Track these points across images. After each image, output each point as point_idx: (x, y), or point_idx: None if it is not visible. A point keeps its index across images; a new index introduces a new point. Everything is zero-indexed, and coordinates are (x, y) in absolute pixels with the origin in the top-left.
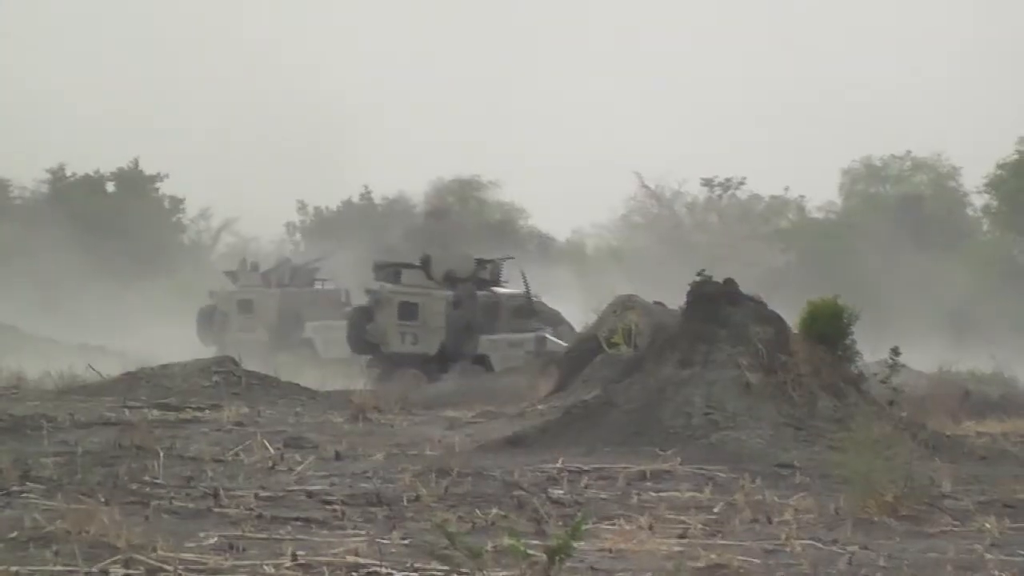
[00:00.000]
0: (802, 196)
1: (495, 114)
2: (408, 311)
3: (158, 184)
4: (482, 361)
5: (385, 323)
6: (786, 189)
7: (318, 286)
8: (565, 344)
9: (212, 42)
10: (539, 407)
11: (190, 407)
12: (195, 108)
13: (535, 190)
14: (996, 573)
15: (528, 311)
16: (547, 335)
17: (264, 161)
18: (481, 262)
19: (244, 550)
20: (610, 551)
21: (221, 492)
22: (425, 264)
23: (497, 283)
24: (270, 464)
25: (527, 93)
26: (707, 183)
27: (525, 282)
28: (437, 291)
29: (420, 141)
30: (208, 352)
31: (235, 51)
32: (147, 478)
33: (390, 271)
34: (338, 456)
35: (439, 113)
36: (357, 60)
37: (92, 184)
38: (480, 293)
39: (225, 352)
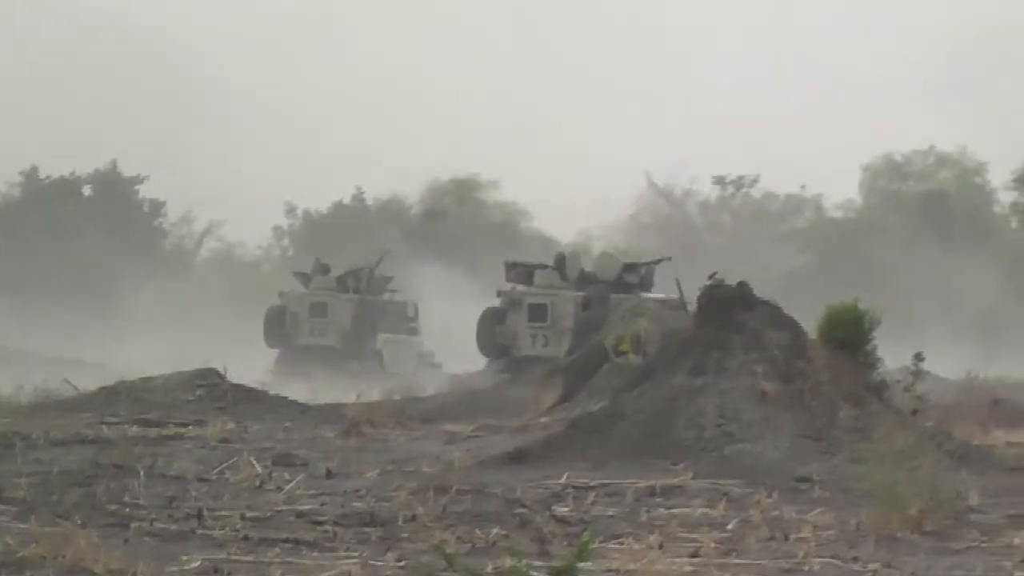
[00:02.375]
0: (820, 194)
1: (495, 112)
2: (538, 312)
3: (137, 187)
4: None
5: (515, 325)
6: (803, 187)
7: (387, 296)
8: None
9: (187, 39)
10: (543, 420)
11: (172, 423)
12: (175, 108)
13: (538, 190)
14: None
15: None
16: None
17: (250, 162)
18: (631, 266)
19: (229, 574)
20: (618, 572)
21: (205, 513)
22: (559, 264)
23: (647, 288)
24: (257, 483)
25: (529, 90)
26: (719, 181)
27: (679, 288)
28: (566, 291)
29: (415, 140)
30: (268, 355)
31: (214, 49)
32: (127, 498)
33: (522, 271)
34: (329, 474)
35: (436, 111)
36: (348, 57)
37: (67, 187)
38: (620, 296)
39: (294, 356)
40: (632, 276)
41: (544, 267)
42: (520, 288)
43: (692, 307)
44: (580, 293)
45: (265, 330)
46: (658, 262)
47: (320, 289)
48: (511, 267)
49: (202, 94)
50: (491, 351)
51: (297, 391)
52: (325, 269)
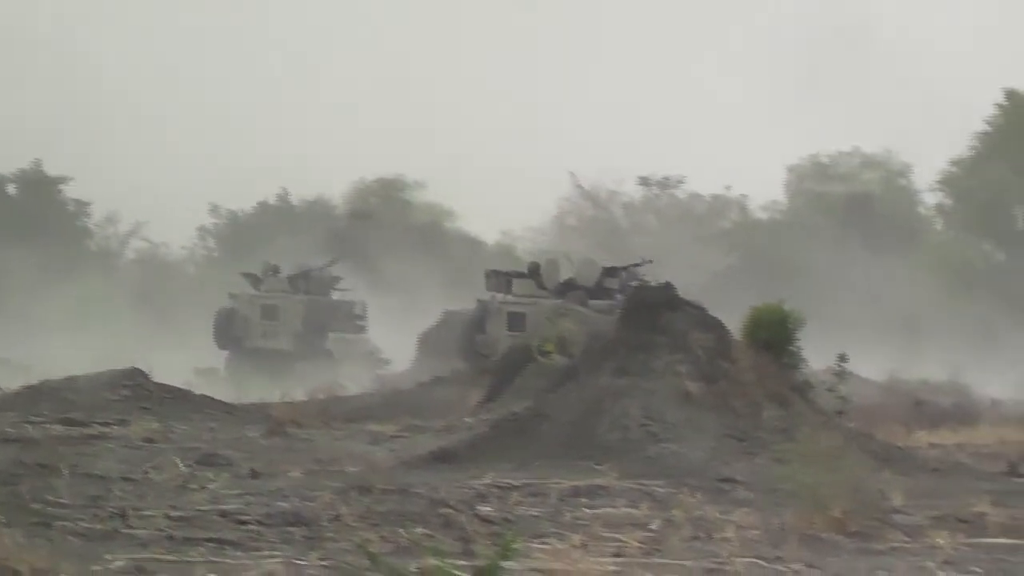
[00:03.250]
0: (745, 195)
1: (419, 113)
2: (516, 321)
3: (62, 187)
4: None
5: (494, 333)
6: (728, 188)
7: (335, 296)
8: None
9: (111, 40)
10: (467, 420)
11: (97, 422)
12: (99, 108)
13: (463, 191)
14: None
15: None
16: None
17: (175, 162)
18: (611, 270)
19: (154, 573)
20: (541, 571)
21: (129, 512)
22: (533, 273)
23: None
24: (181, 482)
25: (453, 90)
26: (644, 182)
27: None
28: (544, 300)
29: (341, 141)
30: (194, 356)
31: (138, 51)
32: (51, 498)
33: (502, 280)
34: (254, 473)
35: (362, 113)
36: (272, 58)
37: None
38: (598, 303)
39: (244, 358)
40: (612, 281)
41: (523, 275)
42: (499, 297)
43: None
44: (559, 301)
45: (215, 332)
46: (639, 265)
47: (271, 291)
48: (491, 275)
49: (127, 95)
50: (471, 359)
51: (253, 393)
52: (275, 270)
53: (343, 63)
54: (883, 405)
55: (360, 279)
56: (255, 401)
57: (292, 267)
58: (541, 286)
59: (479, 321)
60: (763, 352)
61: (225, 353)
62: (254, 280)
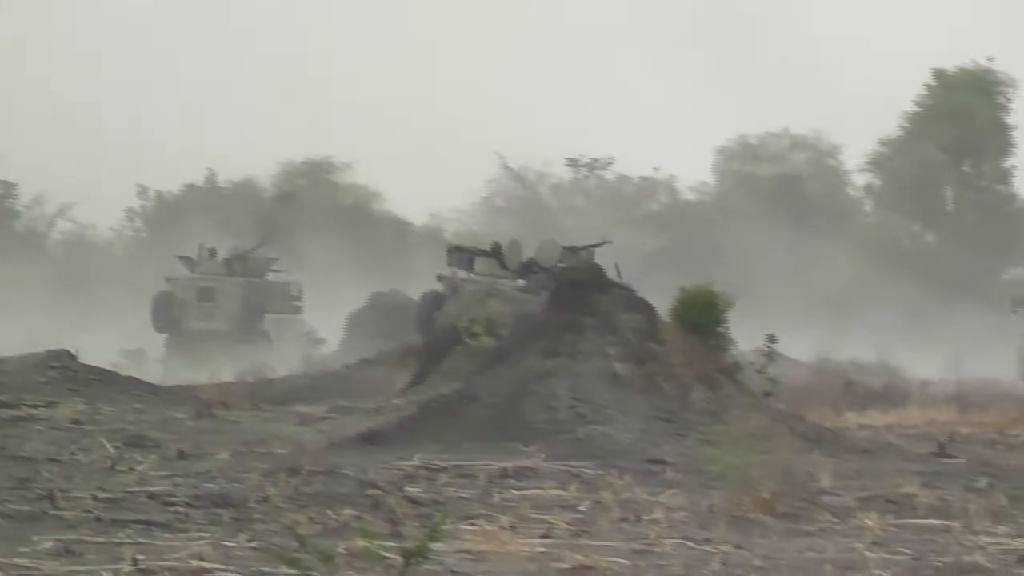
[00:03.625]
0: (673, 177)
1: (345, 93)
2: None
3: None
4: None
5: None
6: (656, 169)
7: (271, 276)
8: None
9: (39, 19)
10: (396, 402)
11: (24, 404)
12: (25, 88)
13: (390, 173)
14: (877, 572)
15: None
16: None
17: (102, 144)
18: (571, 250)
19: (82, 555)
20: (470, 553)
21: (57, 494)
22: (496, 252)
23: None
24: (109, 464)
25: (379, 69)
26: (572, 163)
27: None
28: (506, 280)
29: (269, 121)
30: (121, 337)
31: (66, 28)
32: None
33: (464, 257)
34: (182, 455)
35: (289, 93)
36: (200, 39)
37: None
38: None
39: (183, 340)
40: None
41: (485, 253)
42: (461, 274)
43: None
44: (521, 281)
45: (153, 315)
46: (598, 245)
47: (207, 274)
48: (453, 251)
49: (52, 76)
50: (429, 334)
51: (187, 376)
52: (212, 252)
53: (269, 43)
54: (812, 386)
55: (288, 261)
56: (182, 383)
57: (226, 250)
58: (503, 266)
59: (440, 297)
60: (692, 334)
61: (163, 337)
62: (189, 263)
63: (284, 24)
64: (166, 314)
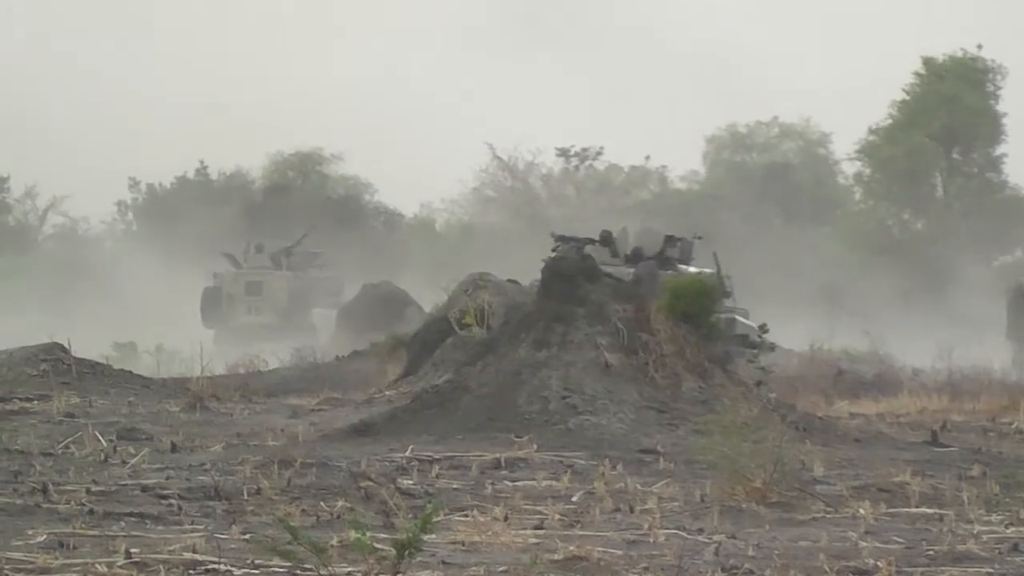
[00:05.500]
0: (664, 166)
1: (337, 84)
2: None
3: None
4: None
5: None
6: (647, 159)
7: (313, 272)
8: (754, 326)
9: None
10: (387, 393)
11: (17, 398)
12: (17, 82)
13: (381, 164)
14: (870, 561)
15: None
16: (737, 316)
17: (93, 136)
18: (671, 239)
19: (75, 548)
20: (463, 544)
21: (50, 487)
22: (606, 241)
23: (687, 262)
24: (102, 457)
25: (371, 62)
26: (562, 153)
27: (717, 262)
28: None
29: (259, 113)
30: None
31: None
32: None
33: (572, 246)
34: (174, 448)
35: (279, 85)
36: (191, 32)
37: None
38: (666, 272)
39: (230, 335)
40: (673, 250)
41: (594, 242)
42: None
43: (728, 279)
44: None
45: (202, 311)
46: (695, 239)
47: (254, 268)
48: (560, 240)
49: (44, 68)
50: None
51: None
52: (259, 247)
53: (260, 35)
54: (803, 375)
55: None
56: (174, 376)
57: (271, 246)
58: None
59: None
60: (683, 323)
61: (211, 332)
62: (233, 260)
63: (273, 18)
64: (214, 309)
